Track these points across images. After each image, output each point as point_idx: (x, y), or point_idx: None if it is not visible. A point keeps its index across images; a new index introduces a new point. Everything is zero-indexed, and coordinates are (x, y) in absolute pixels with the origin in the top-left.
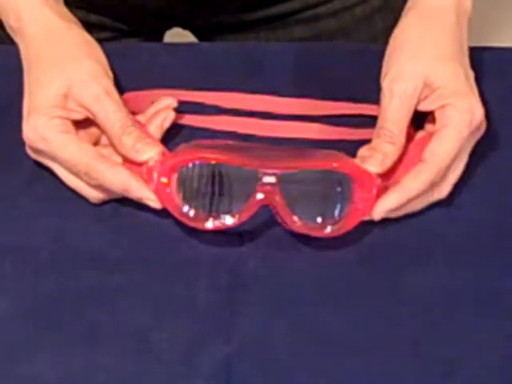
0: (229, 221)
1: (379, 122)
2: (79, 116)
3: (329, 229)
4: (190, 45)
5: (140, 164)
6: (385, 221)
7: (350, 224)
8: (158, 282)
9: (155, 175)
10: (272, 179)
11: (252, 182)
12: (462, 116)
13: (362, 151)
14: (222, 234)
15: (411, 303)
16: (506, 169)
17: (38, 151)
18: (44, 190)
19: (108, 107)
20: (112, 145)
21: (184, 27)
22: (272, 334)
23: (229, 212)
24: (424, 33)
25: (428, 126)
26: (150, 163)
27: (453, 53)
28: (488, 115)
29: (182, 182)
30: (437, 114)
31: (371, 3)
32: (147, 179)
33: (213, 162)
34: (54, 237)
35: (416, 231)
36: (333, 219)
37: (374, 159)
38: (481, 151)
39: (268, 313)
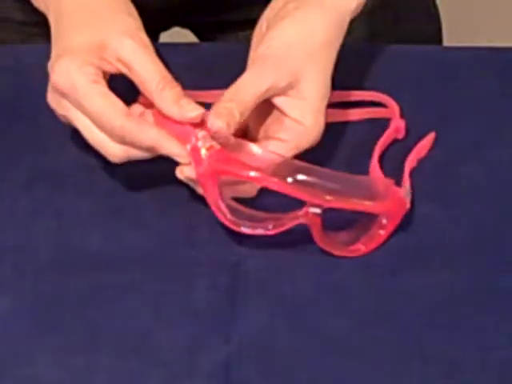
0: (262, 229)
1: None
2: (112, 69)
3: (356, 248)
4: (190, 45)
5: (177, 122)
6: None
7: (375, 243)
8: (158, 281)
9: (204, 159)
10: (318, 210)
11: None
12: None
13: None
14: (222, 234)
15: (411, 303)
16: (507, 168)
17: (63, 95)
18: (44, 189)
19: (146, 59)
20: (150, 100)
21: (183, 26)
22: (272, 334)
23: (264, 220)
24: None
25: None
26: (199, 144)
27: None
28: (488, 115)
29: (226, 181)
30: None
31: (371, 1)
32: (191, 155)
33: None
34: (54, 237)
35: (416, 231)
36: (361, 238)
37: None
38: (481, 151)
39: (268, 313)
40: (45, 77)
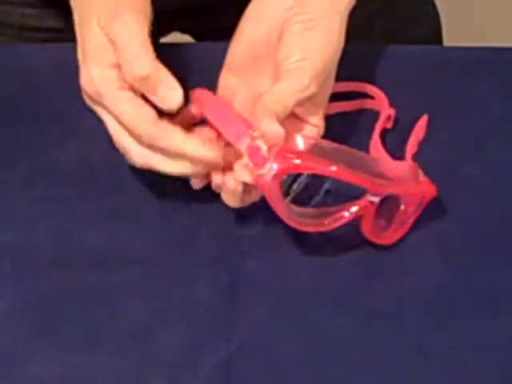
0: (320, 226)
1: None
2: None
3: (391, 236)
4: (190, 45)
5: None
6: None
7: (403, 230)
8: (158, 281)
9: (271, 159)
10: (377, 199)
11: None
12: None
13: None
14: (222, 233)
15: (411, 303)
16: (507, 168)
17: (93, 101)
18: (44, 189)
19: (124, 26)
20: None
21: (183, 32)
22: (272, 334)
23: (322, 215)
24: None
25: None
26: (259, 143)
27: None
28: (488, 115)
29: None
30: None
31: (370, 7)
32: (248, 156)
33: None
34: (54, 237)
35: (416, 231)
36: (391, 225)
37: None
38: (481, 151)
39: (268, 313)
40: (44, 77)
